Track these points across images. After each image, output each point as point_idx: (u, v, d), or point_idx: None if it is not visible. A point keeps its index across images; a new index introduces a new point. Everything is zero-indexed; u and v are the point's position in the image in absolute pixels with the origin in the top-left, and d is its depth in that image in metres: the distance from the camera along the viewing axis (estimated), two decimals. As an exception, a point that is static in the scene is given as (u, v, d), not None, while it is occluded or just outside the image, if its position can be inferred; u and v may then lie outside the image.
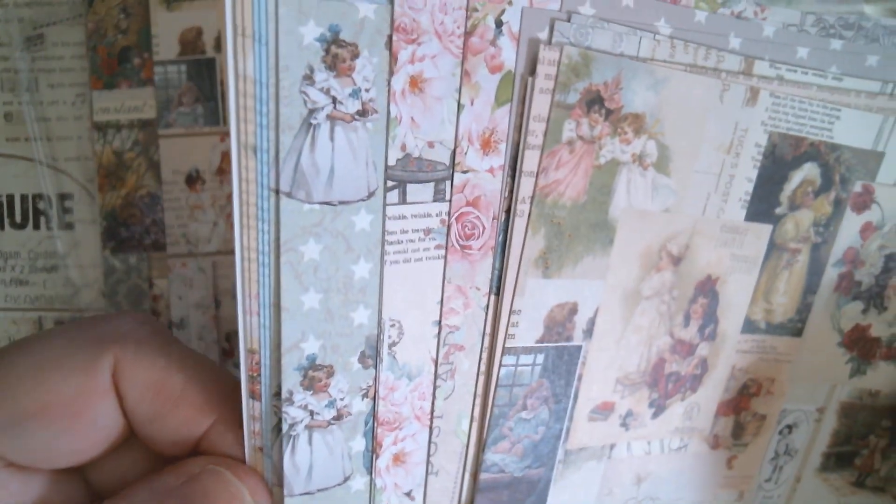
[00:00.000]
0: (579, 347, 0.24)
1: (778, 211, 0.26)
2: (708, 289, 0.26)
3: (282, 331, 0.19)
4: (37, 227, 0.33)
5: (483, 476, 0.24)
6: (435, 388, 0.22)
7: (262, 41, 0.16)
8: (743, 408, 0.29)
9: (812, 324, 0.28)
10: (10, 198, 0.33)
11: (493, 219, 0.21)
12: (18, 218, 0.34)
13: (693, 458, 0.28)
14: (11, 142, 0.33)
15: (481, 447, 0.23)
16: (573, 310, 0.23)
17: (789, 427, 0.30)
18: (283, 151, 0.17)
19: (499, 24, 0.19)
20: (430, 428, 0.22)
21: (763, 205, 0.25)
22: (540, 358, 0.23)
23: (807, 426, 0.30)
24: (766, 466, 0.30)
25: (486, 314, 0.22)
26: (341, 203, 0.18)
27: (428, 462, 0.23)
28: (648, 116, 0.22)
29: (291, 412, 0.20)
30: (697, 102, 0.23)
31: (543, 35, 0.20)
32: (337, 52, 0.17)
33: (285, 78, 0.16)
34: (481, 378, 0.23)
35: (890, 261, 0.28)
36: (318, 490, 0.21)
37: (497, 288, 0.22)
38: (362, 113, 0.18)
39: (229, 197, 0.29)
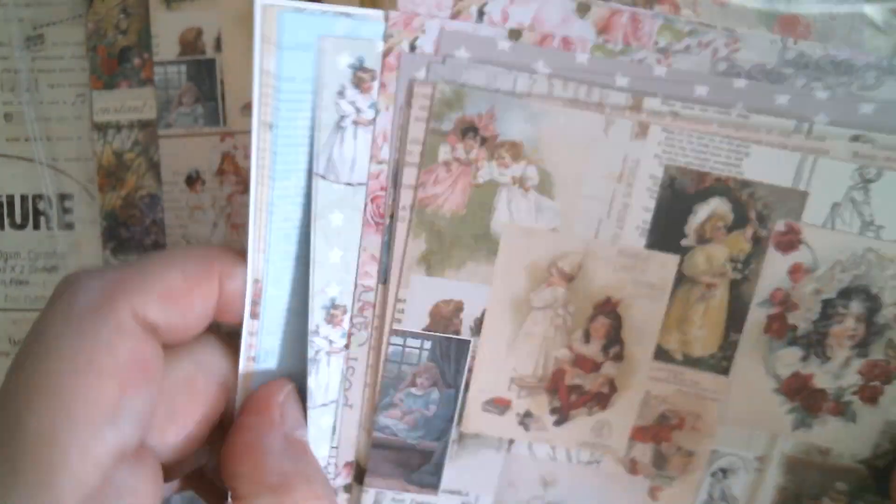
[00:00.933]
0: (468, 342, 0.27)
1: (684, 243, 0.26)
2: (609, 310, 0.27)
3: (315, 279, 0.25)
4: (37, 227, 0.33)
5: (376, 435, 0.27)
6: (350, 335, 0.27)
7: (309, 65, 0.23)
8: (664, 438, 0.28)
9: (739, 364, 0.27)
10: (10, 198, 0.34)
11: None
12: (18, 218, 0.34)
13: (608, 477, 0.29)
14: (11, 142, 0.33)
15: (373, 409, 0.27)
16: (459, 307, 0.26)
17: (723, 471, 0.29)
18: (319, 145, 0.24)
19: (413, 47, 0.24)
20: (346, 367, 0.27)
21: (666, 235, 0.26)
22: (427, 344, 0.27)
23: (745, 475, 0.29)
24: (701, 507, 0.30)
25: (375, 298, 0.26)
26: (359, 184, 0.25)
27: (344, 394, 0.27)
28: (527, 144, 0.25)
29: (317, 342, 0.26)
30: (579, 134, 0.25)
31: (421, 73, 0.24)
32: (361, 76, 0.24)
33: (325, 92, 0.24)
34: (372, 352, 0.26)
35: (828, 306, 0.27)
36: (331, 402, 0.27)
37: (385, 277, 0.26)
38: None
39: (229, 198, 0.33)
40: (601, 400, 0.28)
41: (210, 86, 0.30)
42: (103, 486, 0.20)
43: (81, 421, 0.20)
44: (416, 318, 0.27)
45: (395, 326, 0.27)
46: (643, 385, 0.28)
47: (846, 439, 0.29)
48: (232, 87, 0.31)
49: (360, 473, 0.28)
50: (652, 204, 0.26)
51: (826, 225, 0.26)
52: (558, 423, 0.28)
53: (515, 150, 0.25)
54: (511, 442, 0.29)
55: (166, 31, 0.30)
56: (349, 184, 0.25)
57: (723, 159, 0.26)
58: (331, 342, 0.27)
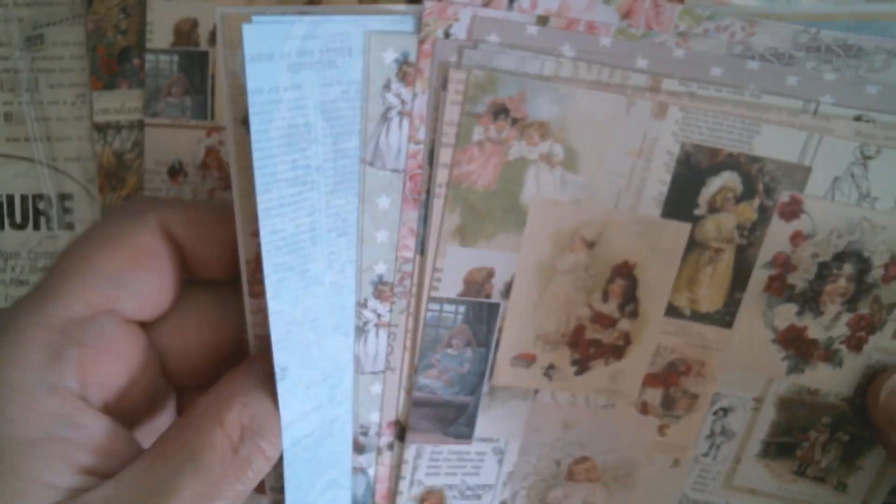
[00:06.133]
0: (497, 305, 0.29)
1: (696, 212, 0.29)
2: (626, 272, 0.29)
3: (363, 257, 0.27)
4: (37, 227, 0.33)
5: (416, 394, 0.30)
6: (392, 303, 0.29)
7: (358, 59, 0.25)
8: (672, 383, 0.32)
9: (742, 318, 0.30)
10: (11, 198, 0.34)
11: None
12: (19, 218, 0.34)
13: (621, 417, 0.32)
14: (11, 142, 0.33)
15: (413, 370, 0.30)
16: (490, 274, 0.29)
17: (724, 410, 0.32)
18: (367, 135, 0.26)
19: (447, 34, 0.25)
20: (388, 332, 0.29)
21: (679, 205, 0.28)
22: (462, 308, 0.29)
23: (743, 413, 0.32)
24: (703, 442, 0.33)
25: (413, 268, 0.28)
26: (403, 170, 0.27)
27: (387, 359, 0.30)
28: (553, 124, 0.27)
29: (365, 314, 0.29)
30: (602, 115, 0.27)
31: (454, 57, 0.25)
32: (406, 70, 0.26)
33: (372, 86, 0.25)
34: (411, 318, 0.29)
35: (823, 268, 0.29)
36: (380, 370, 0.30)
37: (422, 249, 0.28)
38: None
39: (210, 192, 0.33)
40: (617, 352, 0.31)
41: (200, 79, 0.30)
42: (87, 323, 0.25)
43: (88, 274, 0.25)
44: (451, 285, 0.29)
45: (433, 294, 0.29)
46: (655, 338, 0.31)
47: (832, 382, 0.32)
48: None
49: (401, 431, 0.32)
50: (668, 177, 0.28)
51: (826, 196, 0.29)
52: (578, 373, 0.31)
53: (543, 130, 0.27)
54: (536, 391, 0.32)
55: (162, 20, 0.29)
56: (395, 170, 0.27)
57: (735, 137, 0.28)
58: (379, 315, 0.29)
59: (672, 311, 0.31)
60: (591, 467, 0.34)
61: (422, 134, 0.27)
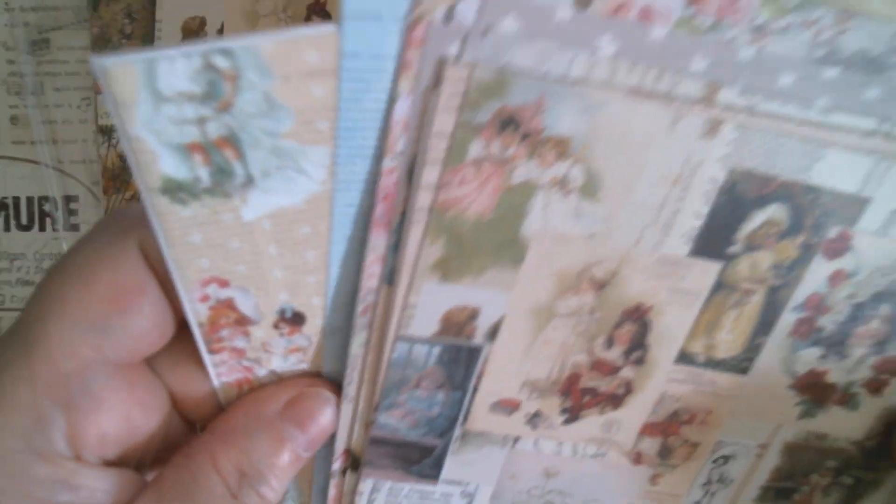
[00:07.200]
0: (480, 348, 0.24)
1: (731, 250, 0.23)
2: (637, 317, 0.24)
3: None
4: (42, 228, 0.34)
5: (375, 432, 0.25)
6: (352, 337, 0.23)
7: None
8: (672, 433, 0.28)
9: (761, 365, 0.26)
10: (17, 200, 0.34)
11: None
12: (24, 219, 0.34)
13: (611, 467, 0.28)
14: (17, 144, 0.34)
15: (373, 407, 0.24)
16: (474, 314, 0.23)
17: (725, 458, 0.29)
18: None
19: (449, 17, 0.18)
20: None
21: (713, 242, 0.23)
22: (436, 350, 0.24)
23: (745, 459, 0.29)
24: (697, 490, 0.30)
25: (377, 302, 0.22)
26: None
27: (344, 388, 0.24)
28: (575, 141, 0.20)
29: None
30: (640, 132, 0.20)
31: (454, 48, 0.18)
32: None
33: None
34: (372, 352, 0.23)
35: (858, 310, 0.25)
36: None
37: (390, 278, 0.22)
38: None
39: None
40: (614, 400, 0.27)
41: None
42: (74, 378, 0.22)
43: (71, 320, 0.22)
44: (425, 323, 0.23)
45: (402, 332, 0.23)
46: (660, 387, 0.26)
47: (844, 425, 0.29)
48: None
49: (356, 462, 0.26)
50: (705, 210, 0.22)
51: (878, 232, 0.24)
52: (567, 422, 0.27)
53: (562, 148, 0.20)
54: (517, 439, 0.27)
55: (171, 17, 0.27)
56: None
57: (794, 162, 0.22)
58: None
59: (684, 357, 0.26)
60: (569, 513, 0.30)
61: (402, 145, 0.20)
